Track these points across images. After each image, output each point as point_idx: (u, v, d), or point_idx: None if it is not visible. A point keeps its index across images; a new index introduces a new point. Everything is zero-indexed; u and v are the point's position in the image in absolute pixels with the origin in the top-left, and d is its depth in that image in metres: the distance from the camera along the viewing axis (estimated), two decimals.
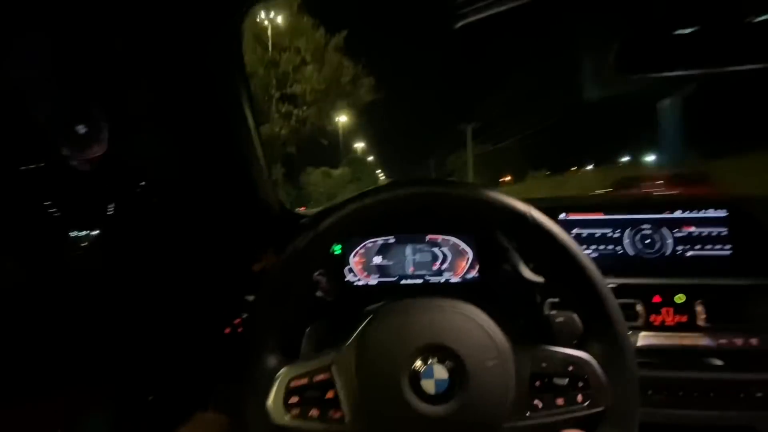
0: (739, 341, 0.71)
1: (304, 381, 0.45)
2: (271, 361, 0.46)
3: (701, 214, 0.80)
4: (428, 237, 0.93)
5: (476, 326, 0.48)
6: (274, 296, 0.47)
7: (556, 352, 0.48)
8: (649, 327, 0.75)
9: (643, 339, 0.74)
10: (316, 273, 0.84)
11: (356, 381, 0.44)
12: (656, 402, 0.74)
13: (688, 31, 0.66)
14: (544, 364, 0.48)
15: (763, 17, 0.64)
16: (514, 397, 0.45)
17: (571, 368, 0.47)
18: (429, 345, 0.46)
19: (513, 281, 0.77)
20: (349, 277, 0.93)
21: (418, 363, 0.45)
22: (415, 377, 0.44)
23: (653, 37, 0.65)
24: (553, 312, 0.55)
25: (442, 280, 0.92)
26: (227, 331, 0.86)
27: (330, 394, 0.44)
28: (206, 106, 0.90)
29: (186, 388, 0.86)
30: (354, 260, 0.94)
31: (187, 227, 1.01)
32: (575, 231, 0.85)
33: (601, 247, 0.83)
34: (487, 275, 0.90)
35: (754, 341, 0.71)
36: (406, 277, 0.93)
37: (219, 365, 0.83)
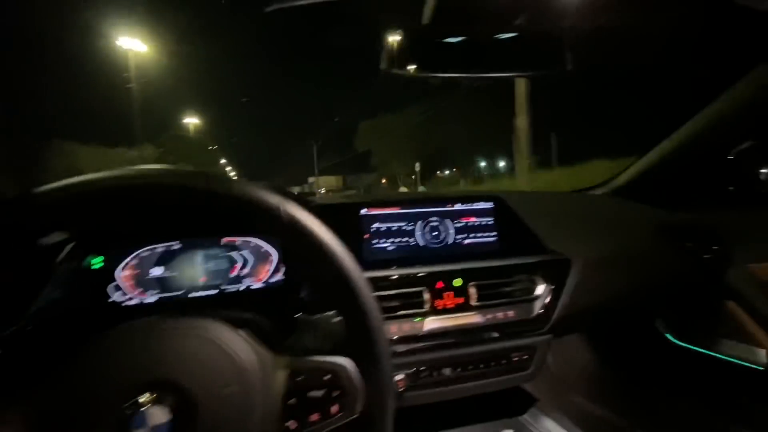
0: (500, 315, 0.84)
1: None
2: None
3: (474, 206, 0.91)
4: (224, 240, 0.81)
5: (214, 349, 0.39)
6: None
7: (314, 362, 0.44)
8: (434, 312, 0.81)
9: (429, 323, 0.80)
10: None
11: None
12: (442, 380, 0.81)
13: (455, 40, 0.73)
14: (301, 378, 0.43)
15: (511, 35, 0.75)
16: (259, 423, 0.39)
17: (327, 377, 0.43)
18: (141, 382, 0.35)
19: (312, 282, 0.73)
20: (116, 296, 0.74)
21: (128, 410, 0.34)
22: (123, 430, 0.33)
23: (426, 41, 0.69)
24: (317, 316, 0.51)
25: (242, 288, 0.82)
26: None
27: None
28: None
29: None
30: (123, 274, 0.75)
31: None
32: (375, 225, 0.86)
33: (397, 239, 0.87)
34: (292, 277, 0.83)
35: (511, 313, 0.85)
36: (197, 289, 0.79)
37: None
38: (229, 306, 0.78)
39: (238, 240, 0.82)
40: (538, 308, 0.86)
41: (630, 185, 1.20)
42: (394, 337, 0.78)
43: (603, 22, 0.66)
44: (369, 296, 0.45)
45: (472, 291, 0.83)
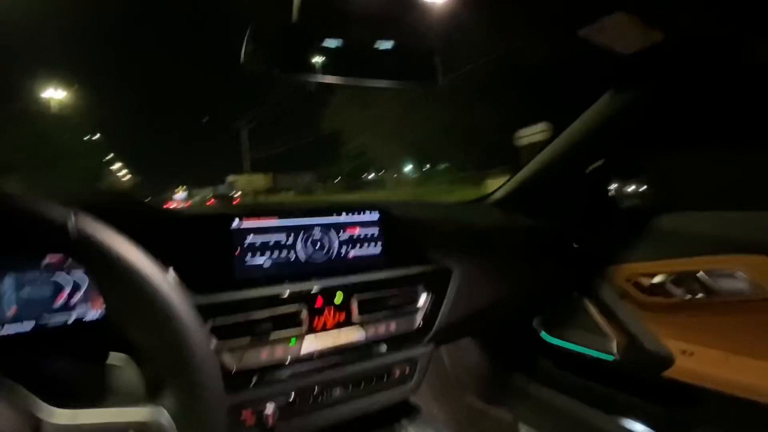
0: (382, 329, 0.81)
1: None
2: None
3: (359, 217, 0.88)
4: (49, 260, 0.65)
5: None
6: None
7: (111, 414, 0.35)
8: (312, 331, 0.75)
9: (306, 345, 0.74)
10: None
11: None
12: (319, 405, 0.75)
13: (328, 43, 0.69)
14: None
15: (384, 43, 0.73)
16: None
17: None
18: None
19: None
20: None
21: None
22: None
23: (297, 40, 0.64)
24: (123, 355, 0.42)
25: (71, 320, 0.66)
26: None
27: None
28: None
29: None
30: None
31: None
32: (250, 239, 0.78)
33: (275, 254, 0.79)
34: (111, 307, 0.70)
35: (393, 326, 0.83)
36: (3, 322, 0.62)
37: None
38: (46, 343, 0.63)
39: (68, 260, 0.67)
40: (419, 319, 0.86)
41: (509, 197, 1.30)
42: (265, 363, 0.70)
43: (474, 39, 0.67)
44: (190, 328, 0.37)
45: (354, 306, 0.79)
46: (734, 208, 1.00)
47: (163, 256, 0.69)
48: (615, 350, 1.16)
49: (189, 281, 0.69)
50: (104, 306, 0.67)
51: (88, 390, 0.43)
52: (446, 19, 0.62)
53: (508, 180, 1.34)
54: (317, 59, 0.65)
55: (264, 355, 0.70)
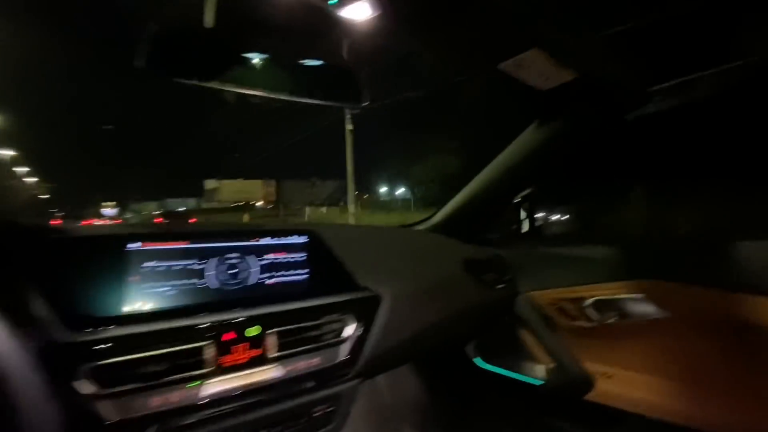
0: (303, 364, 0.74)
1: None
2: None
3: (285, 240, 0.82)
4: None
5: None
6: None
7: None
8: (219, 371, 0.66)
9: (210, 387, 0.65)
10: None
11: None
12: None
13: (251, 55, 0.64)
14: None
15: (311, 62, 0.71)
16: None
17: None
18: None
19: None
20: None
21: None
22: None
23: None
24: None
25: None
26: None
27: None
28: None
29: None
30: None
31: None
32: (150, 264, 0.68)
33: (181, 282, 0.70)
34: None
35: (316, 361, 0.76)
36: None
37: None
38: None
39: None
40: (345, 352, 0.80)
41: (445, 222, 1.31)
42: (156, 412, 0.60)
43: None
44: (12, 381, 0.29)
45: (271, 340, 0.72)
46: (641, 238, 1.10)
47: (32, 284, 0.58)
48: (543, 375, 1.18)
49: (68, 313, 0.58)
50: None
51: None
52: (372, 42, 0.61)
53: (446, 205, 1.36)
54: (233, 68, 0.60)
55: (156, 401, 0.60)
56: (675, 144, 1.26)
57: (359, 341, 0.82)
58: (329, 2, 0.50)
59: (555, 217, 1.30)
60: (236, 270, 0.76)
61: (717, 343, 0.89)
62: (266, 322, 0.72)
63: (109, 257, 0.65)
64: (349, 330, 0.81)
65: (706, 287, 0.88)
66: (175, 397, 0.62)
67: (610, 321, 1.03)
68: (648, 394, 0.99)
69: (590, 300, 1.06)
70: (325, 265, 0.86)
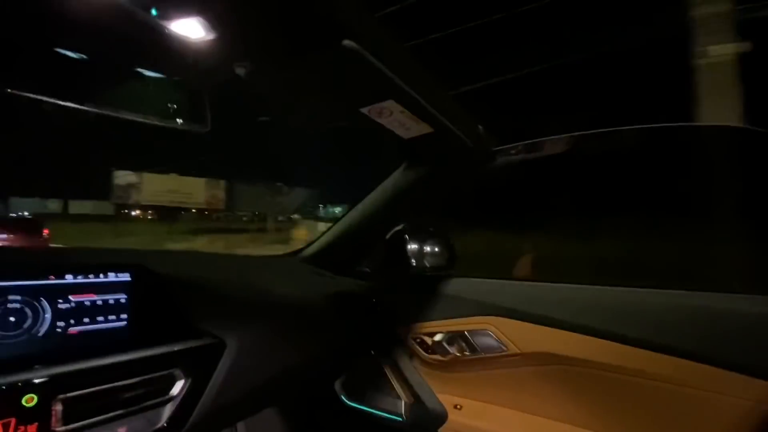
0: None
1: None
2: None
3: (98, 279, 0.67)
4: None
5: None
6: None
7: None
8: None
9: None
10: None
11: None
12: None
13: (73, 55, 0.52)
14: None
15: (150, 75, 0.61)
16: None
17: None
18: None
19: None
20: None
21: None
22: None
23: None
24: None
25: None
26: None
27: None
28: None
29: None
30: None
31: None
32: None
33: None
34: None
35: (123, 430, 0.62)
36: None
37: None
38: None
39: None
40: (167, 415, 0.67)
41: (318, 254, 1.27)
42: None
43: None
44: None
45: (58, 410, 0.56)
46: (495, 276, 1.22)
47: None
48: (402, 410, 1.20)
49: None
50: None
51: None
52: (217, 62, 0.55)
53: (319, 237, 1.33)
54: (53, 75, 0.47)
55: None
56: (520, 192, 1.47)
57: (190, 399, 0.70)
58: (152, 12, 0.43)
59: (424, 252, 1.37)
60: (21, 317, 0.59)
61: (556, 378, 1.01)
62: (53, 386, 0.57)
63: None
64: (179, 386, 0.69)
65: (539, 325, 1.00)
66: None
67: (459, 354, 1.10)
68: (494, 425, 1.08)
69: (445, 335, 1.12)
70: (153, 309, 0.73)
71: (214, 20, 0.46)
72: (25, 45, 0.50)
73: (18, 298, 0.59)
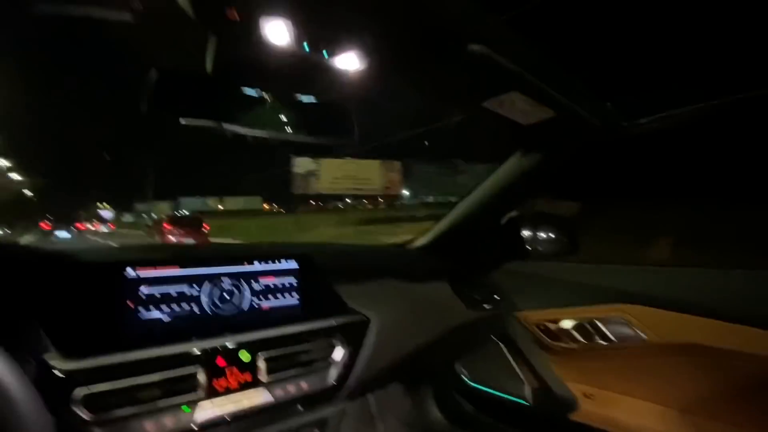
0: (293, 389, 0.77)
1: None
2: None
3: (275, 265, 0.85)
4: None
5: None
6: None
7: None
8: (211, 395, 0.68)
9: (202, 412, 0.67)
10: None
11: None
12: None
13: (251, 93, 0.68)
14: None
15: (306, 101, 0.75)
16: None
17: None
18: None
19: None
20: None
21: None
22: None
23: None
24: None
25: None
26: None
27: None
28: None
29: None
30: None
31: None
32: (146, 290, 0.70)
33: (177, 307, 0.72)
34: None
35: (305, 385, 0.79)
36: None
37: None
38: None
39: None
40: (334, 375, 0.82)
41: (432, 244, 1.34)
42: None
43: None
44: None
45: (262, 364, 0.74)
46: (624, 262, 1.14)
47: (28, 311, 0.60)
48: (529, 394, 1.21)
49: (62, 341, 0.60)
50: None
51: None
52: (365, 83, 0.65)
53: (432, 227, 1.40)
54: (231, 109, 0.64)
55: (149, 427, 0.62)
56: (655, 169, 1.32)
57: (348, 364, 0.84)
58: (323, 55, 0.54)
59: (542, 238, 1.34)
60: (230, 295, 0.79)
61: (696, 369, 0.93)
62: (258, 347, 0.75)
63: (105, 284, 0.67)
64: (338, 354, 0.84)
65: (683, 313, 0.92)
66: (169, 421, 0.64)
67: (590, 343, 1.07)
68: (628, 416, 1.02)
69: (573, 322, 1.10)
70: (315, 290, 0.88)
71: (363, 50, 0.56)
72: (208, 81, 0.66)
73: (228, 281, 0.79)
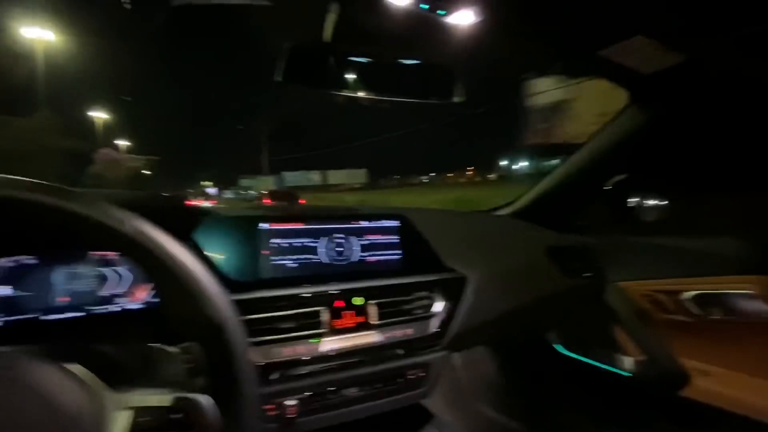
0: (399, 333, 0.85)
1: None
2: None
3: (380, 223, 0.92)
4: (94, 253, 0.72)
5: (28, 397, 0.33)
6: None
7: (163, 398, 0.39)
8: (332, 332, 0.79)
9: (326, 344, 0.78)
10: None
11: None
12: (336, 403, 0.79)
13: (357, 59, 0.73)
14: (146, 418, 0.38)
15: (409, 62, 0.78)
16: None
17: (178, 416, 0.39)
18: None
19: None
20: None
21: None
22: None
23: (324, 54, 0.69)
24: (175, 346, 0.46)
25: (115, 309, 0.72)
26: None
27: None
28: None
29: None
30: None
31: None
32: (276, 241, 0.83)
33: (299, 256, 0.84)
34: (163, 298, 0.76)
35: (409, 331, 0.86)
36: (54, 311, 0.68)
37: None
38: (95, 330, 0.69)
39: (113, 253, 0.73)
40: (434, 325, 0.88)
41: (528, 208, 1.31)
42: (288, 360, 0.74)
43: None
44: (230, 322, 0.42)
45: (372, 310, 0.83)
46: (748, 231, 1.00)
47: (201, 255, 0.74)
48: (631, 366, 1.15)
49: (221, 279, 0.74)
50: (148, 297, 0.73)
51: (133, 374, 0.48)
52: (470, 39, 0.66)
53: (528, 191, 1.36)
54: (347, 75, 0.70)
55: (287, 352, 0.74)
56: None
57: (447, 317, 0.90)
58: (438, 13, 0.56)
59: (650, 206, 1.23)
60: (342, 248, 0.88)
61: None
62: (368, 293, 0.84)
63: (248, 234, 0.80)
64: (438, 306, 0.90)
65: None
66: (301, 349, 0.76)
67: (713, 317, 0.97)
68: (754, 396, 0.93)
69: (691, 294, 1.01)
70: (416, 247, 0.94)
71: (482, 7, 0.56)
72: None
73: (341, 235, 0.88)
